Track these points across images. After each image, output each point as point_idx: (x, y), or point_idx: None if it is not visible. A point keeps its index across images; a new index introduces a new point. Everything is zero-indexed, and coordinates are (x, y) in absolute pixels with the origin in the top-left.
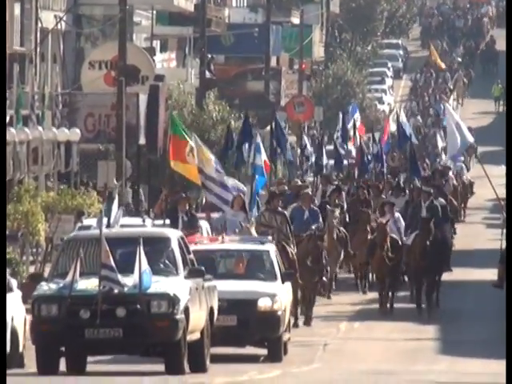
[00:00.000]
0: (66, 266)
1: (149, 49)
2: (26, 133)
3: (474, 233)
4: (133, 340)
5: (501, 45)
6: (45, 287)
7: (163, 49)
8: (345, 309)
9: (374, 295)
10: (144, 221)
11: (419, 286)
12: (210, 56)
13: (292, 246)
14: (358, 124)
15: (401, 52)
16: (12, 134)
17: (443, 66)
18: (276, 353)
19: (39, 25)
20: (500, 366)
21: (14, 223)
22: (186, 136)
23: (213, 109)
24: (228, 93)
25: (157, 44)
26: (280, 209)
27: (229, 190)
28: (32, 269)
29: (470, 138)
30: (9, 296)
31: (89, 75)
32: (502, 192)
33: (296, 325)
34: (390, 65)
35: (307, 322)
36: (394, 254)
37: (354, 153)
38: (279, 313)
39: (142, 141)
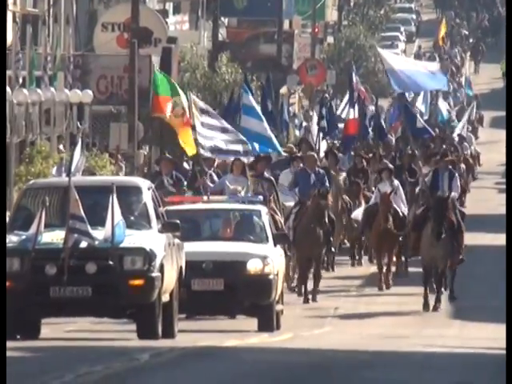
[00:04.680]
0: (27, 217)
1: (162, 11)
2: (39, 94)
3: (486, 198)
4: (103, 300)
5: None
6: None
7: (176, 11)
8: (351, 281)
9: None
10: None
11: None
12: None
13: (279, 215)
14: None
15: (413, 16)
16: (24, 95)
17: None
18: (267, 322)
19: None
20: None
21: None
22: (170, 93)
23: (225, 71)
24: (240, 56)
25: (170, 6)
26: (266, 174)
27: (239, 136)
28: None
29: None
30: None
31: (101, 37)
32: None
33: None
34: (402, 29)
35: (314, 298)
36: (396, 225)
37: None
38: (271, 276)
39: None
